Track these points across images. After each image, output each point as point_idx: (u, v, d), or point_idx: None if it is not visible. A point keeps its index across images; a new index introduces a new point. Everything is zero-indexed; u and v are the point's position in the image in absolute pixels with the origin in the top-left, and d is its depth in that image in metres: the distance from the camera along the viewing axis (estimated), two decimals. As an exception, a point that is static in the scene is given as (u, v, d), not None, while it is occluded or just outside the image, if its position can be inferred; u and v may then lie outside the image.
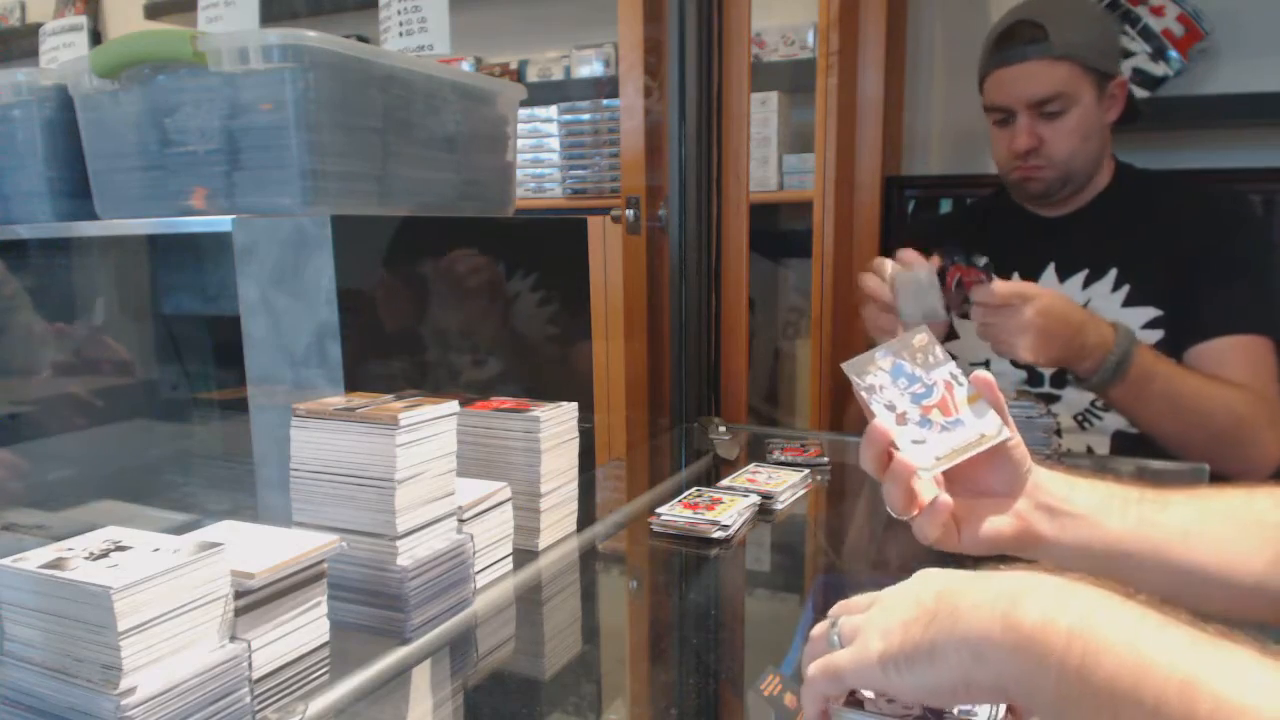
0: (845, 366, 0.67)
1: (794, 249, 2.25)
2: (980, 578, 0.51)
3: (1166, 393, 1.17)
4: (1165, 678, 0.40)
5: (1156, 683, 0.40)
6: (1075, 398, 1.37)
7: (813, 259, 1.93)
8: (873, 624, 0.53)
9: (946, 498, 0.63)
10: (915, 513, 0.64)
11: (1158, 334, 1.32)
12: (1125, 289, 1.35)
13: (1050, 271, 1.41)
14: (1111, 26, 1.36)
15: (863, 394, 0.66)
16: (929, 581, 0.53)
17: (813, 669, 0.54)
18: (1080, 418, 1.38)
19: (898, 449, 0.63)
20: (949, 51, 2.09)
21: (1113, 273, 1.36)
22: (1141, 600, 0.46)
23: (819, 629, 0.57)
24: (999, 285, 1.09)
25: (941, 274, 1.11)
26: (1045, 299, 1.10)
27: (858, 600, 0.57)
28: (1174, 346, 1.30)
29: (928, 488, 0.64)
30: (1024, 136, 1.32)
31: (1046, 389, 1.40)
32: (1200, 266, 1.31)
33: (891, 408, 0.65)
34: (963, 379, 0.66)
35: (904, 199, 2.08)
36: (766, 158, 2.20)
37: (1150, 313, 1.33)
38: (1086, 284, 1.38)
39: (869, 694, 0.54)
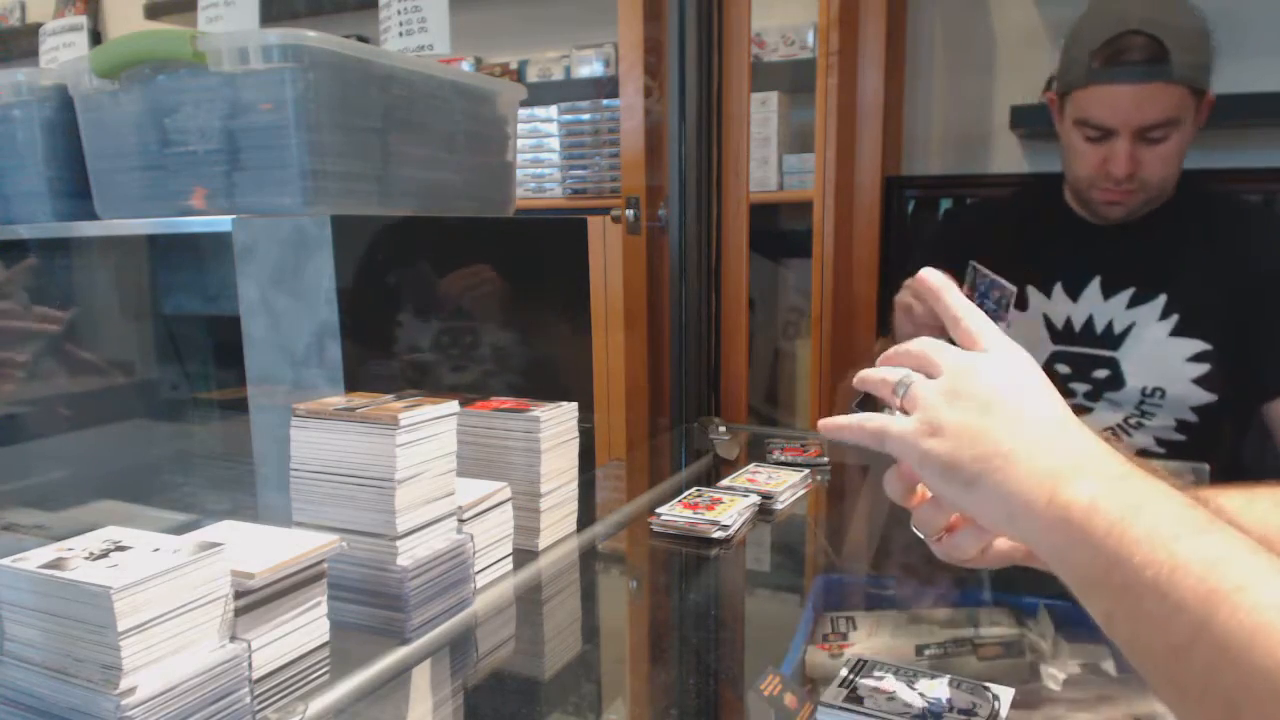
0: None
1: (794, 249, 2.25)
2: (1058, 431, 0.52)
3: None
4: (1193, 587, 0.42)
5: (1184, 588, 0.43)
6: (1105, 415, 1.34)
7: (813, 259, 1.94)
8: (937, 410, 0.55)
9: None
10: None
11: (1203, 368, 1.27)
12: (1174, 318, 1.28)
13: (1095, 286, 1.33)
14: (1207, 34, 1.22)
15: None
16: (1016, 390, 0.54)
17: (866, 425, 0.59)
18: (1110, 431, 1.34)
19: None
20: (949, 51, 2.09)
21: (1162, 298, 1.29)
22: (1191, 496, 0.48)
23: (889, 373, 0.60)
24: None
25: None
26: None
27: (940, 354, 0.58)
28: (1221, 385, 1.25)
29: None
30: (1125, 161, 1.22)
31: (1080, 401, 1.35)
32: (1271, 306, 1.23)
33: None
34: None
35: (904, 199, 2.08)
36: (766, 158, 2.21)
37: (1198, 346, 1.27)
38: (1132, 304, 1.31)
39: (867, 692, 0.54)
